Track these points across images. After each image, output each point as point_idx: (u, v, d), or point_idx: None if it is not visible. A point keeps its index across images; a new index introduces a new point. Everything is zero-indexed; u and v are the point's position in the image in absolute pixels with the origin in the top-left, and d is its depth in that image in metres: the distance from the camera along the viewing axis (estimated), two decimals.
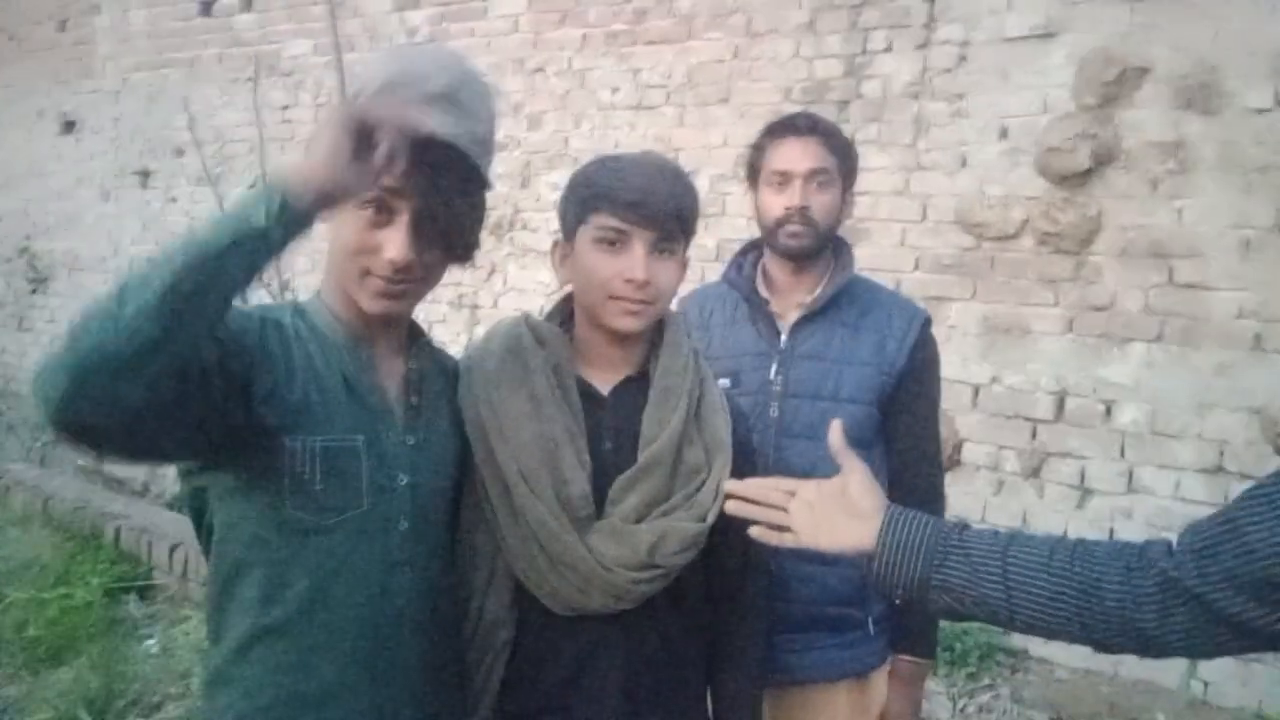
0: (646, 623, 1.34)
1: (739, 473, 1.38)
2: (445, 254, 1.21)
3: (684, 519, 1.30)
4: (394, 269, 1.15)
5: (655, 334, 1.39)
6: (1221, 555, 0.92)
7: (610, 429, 1.35)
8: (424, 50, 1.21)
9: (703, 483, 1.33)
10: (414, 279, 1.19)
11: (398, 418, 1.25)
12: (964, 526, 1.10)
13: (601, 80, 4.57)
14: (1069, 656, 3.40)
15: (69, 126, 7.02)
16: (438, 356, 1.36)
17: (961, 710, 3.32)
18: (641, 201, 1.29)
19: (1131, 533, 3.29)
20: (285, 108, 5.62)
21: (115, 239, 6.68)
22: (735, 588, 1.44)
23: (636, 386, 1.37)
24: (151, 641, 3.44)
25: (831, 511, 1.12)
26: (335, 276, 1.23)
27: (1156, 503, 3.28)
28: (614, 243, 1.30)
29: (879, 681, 1.79)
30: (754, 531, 1.16)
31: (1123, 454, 3.35)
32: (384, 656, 1.20)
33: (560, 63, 4.70)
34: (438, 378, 1.34)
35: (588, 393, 1.36)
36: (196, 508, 1.22)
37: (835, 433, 1.17)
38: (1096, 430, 3.40)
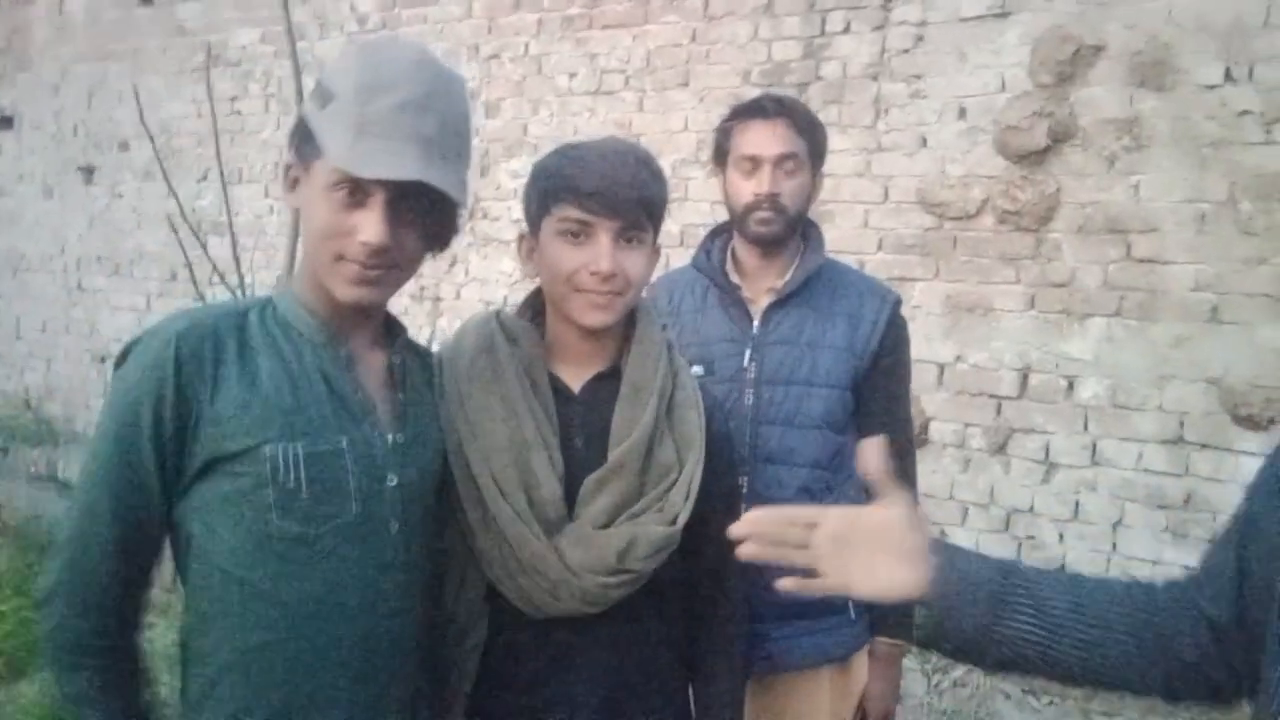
0: (622, 624, 1.31)
1: (717, 467, 1.36)
2: (422, 239, 1.17)
3: (654, 521, 1.28)
4: (369, 252, 1.10)
5: (628, 327, 1.36)
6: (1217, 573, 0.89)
7: (582, 427, 1.32)
8: (393, 50, 1.15)
9: (674, 482, 1.30)
10: (389, 264, 1.14)
11: (382, 415, 1.20)
12: (1015, 568, 0.94)
13: (558, 66, 4.52)
14: None
15: (6, 121, 6.80)
16: (416, 348, 1.33)
17: (936, 686, 3.36)
18: (604, 190, 1.25)
19: (1096, 505, 3.35)
20: (234, 99, 5.49)
21: (61, 237, 6.49)
22: (714, 585, 1.42)
23: (608, 382, 1.34)
24: None
25: (867, 549, 0.91)
26: (309, 265, 1.19)
27: (1119, 474, 3.34)
28: (577, 234, 1.26)
29: (859, 664, 1.80)
30: (784, 584, 0.94)
31: (1086, 427, 3.40)
32: (374, 662, 1.17)
33: (516, 48, 4.63)
34: (420, 371, 1.30)
35: (559, 390, 1.34)
36: (173, 533, 1.17)
37: (873, 455, 0.93)
38: (1059, 405, 3.45)
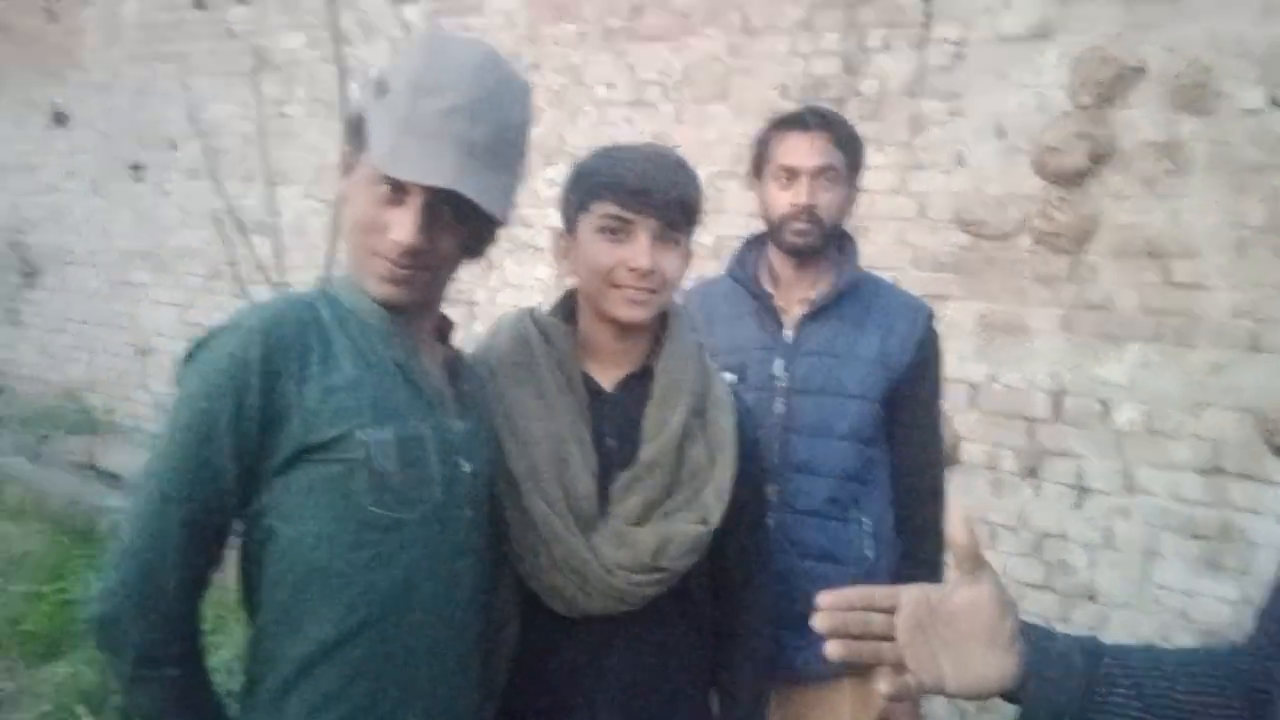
0: (650, 623, 1.33)
1: (746, 474, 1.37)
2: (459, 244, 1.17)
3: (688, 520, 1.29)
4: (399, 251, 1.10)
5: (659, 328, 1.38)
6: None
7: (613, 425, 1.34)
8: (456, 49, 1.13)
9: (706, 482, 1.32)
10: (421, 265, 1.14)
11: (451, 403, 1.21)
12: (1100, 644, 0.86)
13: (598, 76, 4.56)
14: None
15: (59, 119, 6.96)
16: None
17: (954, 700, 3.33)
18: (645, 189, 1.27)
19: (1129, 532, 3.31)
20: (280, 101, 5.59)
21: (107, 232, 6.63)
22: (740, 585, 1.43)
23: (640, 382, 1.36)
24: None
25: (957, 636, 0.80)
26: (350, 258, 1.19)
27: (1154, 502, 3.29)
28: (617, 231, 1.29)
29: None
30: (882, 689, 0.81)
31: (1120, 453, 3.36)
32: (452, 648, 1.18)
33: (556, 59, 4.68)
34: (471, 367, 1.33)
35: (591, 388, 1.35)
36: (248, 528, 1.14)
37: (960, 526, 0.81)
38: (1093, 429, 3.41)
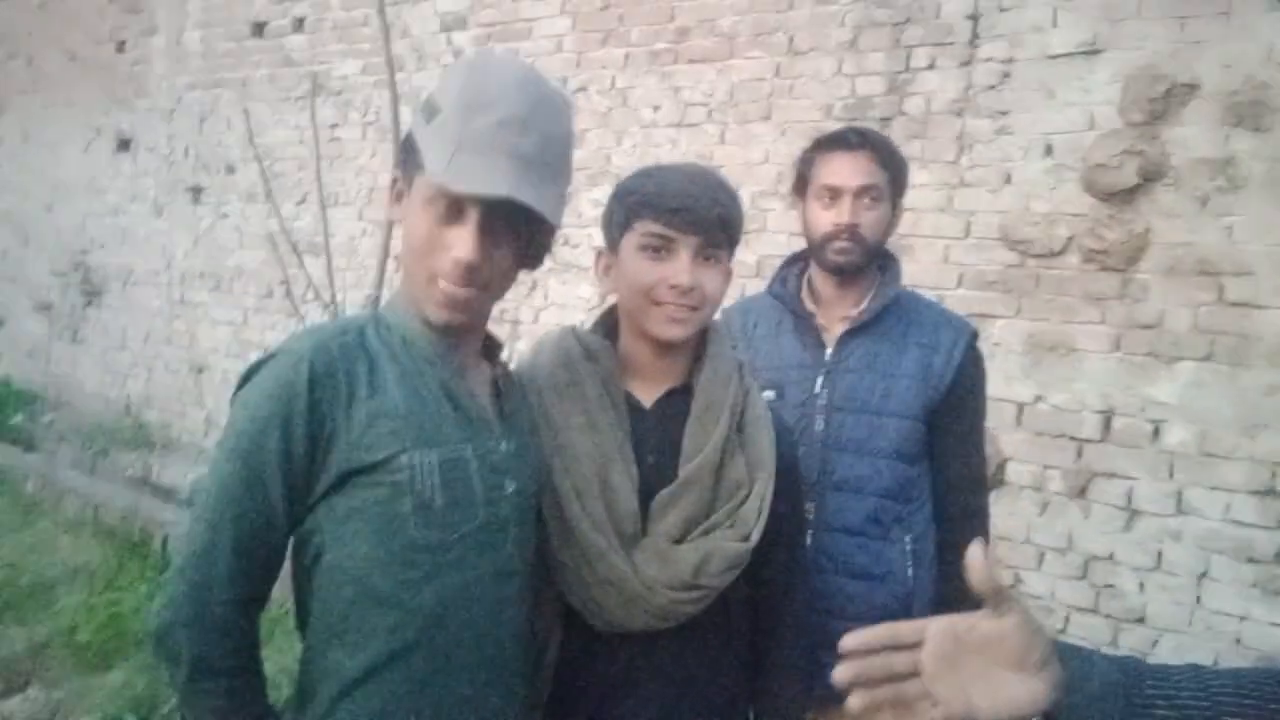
0: (689, 640, 1.33)
1: (784, 492, 1.37)
2: (515, 257, 1.19)
3: (728, 538, 1.30)
4: (461, 270, 1.12)
5: (699, 346, 1.39)
6: None
7: (653, 442, 1.35)
8: (498, 67, 1.16)
9: (745, 498, 1.32)
10: (480, 285, 1.16)
11: (495, 424, 1.22)
12: (1139, 664, 0.85)
13: (643, 98, 4.61)
14: None
15: (124, 144, 7.21)
16: (506, 365, 1.36)
17: None
18: (686, 207, 1.29)
19: (1180, 555, 3.24)
20: (334, 126, 5.73)
21: (167, 253, 6.83)
22: (778, 602, 1.43)
23: (680, 399, 1.37)
24: None
25: (983, 664, 0.80)
26: (407, 283, 1.21)
27: (1206, 525, 3.22)
28: (659, 249, 1.30)
29: None
30: (841, 678, 0.83)
31: (1171, 475, 3.29)
32: (496, 668, 1.19)
33: (603, 82, 4.75)
34: (517, 384, 1.34)
35: (632, 405, 1.37)
36: (298, 548, 1.17)
37: (978, 559, 0.81)
38: (1144, 450, 3.35)
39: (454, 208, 1.12)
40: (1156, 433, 3.33)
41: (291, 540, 1.15)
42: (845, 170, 1.72)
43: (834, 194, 1.73)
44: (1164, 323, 3.31)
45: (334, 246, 4.55)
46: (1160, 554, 3.29)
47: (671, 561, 1.27)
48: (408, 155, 1.17)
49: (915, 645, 0.81)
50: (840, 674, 0.80)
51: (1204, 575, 3.23)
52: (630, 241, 1.33)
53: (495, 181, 1.08)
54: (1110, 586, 3.40)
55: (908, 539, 1.72)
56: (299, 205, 5.84)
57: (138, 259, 7.06)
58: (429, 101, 1.16)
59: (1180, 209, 3.29)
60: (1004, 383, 3.51)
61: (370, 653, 1.11)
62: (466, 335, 1.24)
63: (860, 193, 1.71)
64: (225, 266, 6.41)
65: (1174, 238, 3.30)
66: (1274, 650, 3.08)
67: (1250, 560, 3.14)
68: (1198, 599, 3.23)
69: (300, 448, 1.08)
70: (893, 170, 1.76)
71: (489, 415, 1.22)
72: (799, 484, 1.47)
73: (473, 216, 1.11)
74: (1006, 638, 0.80)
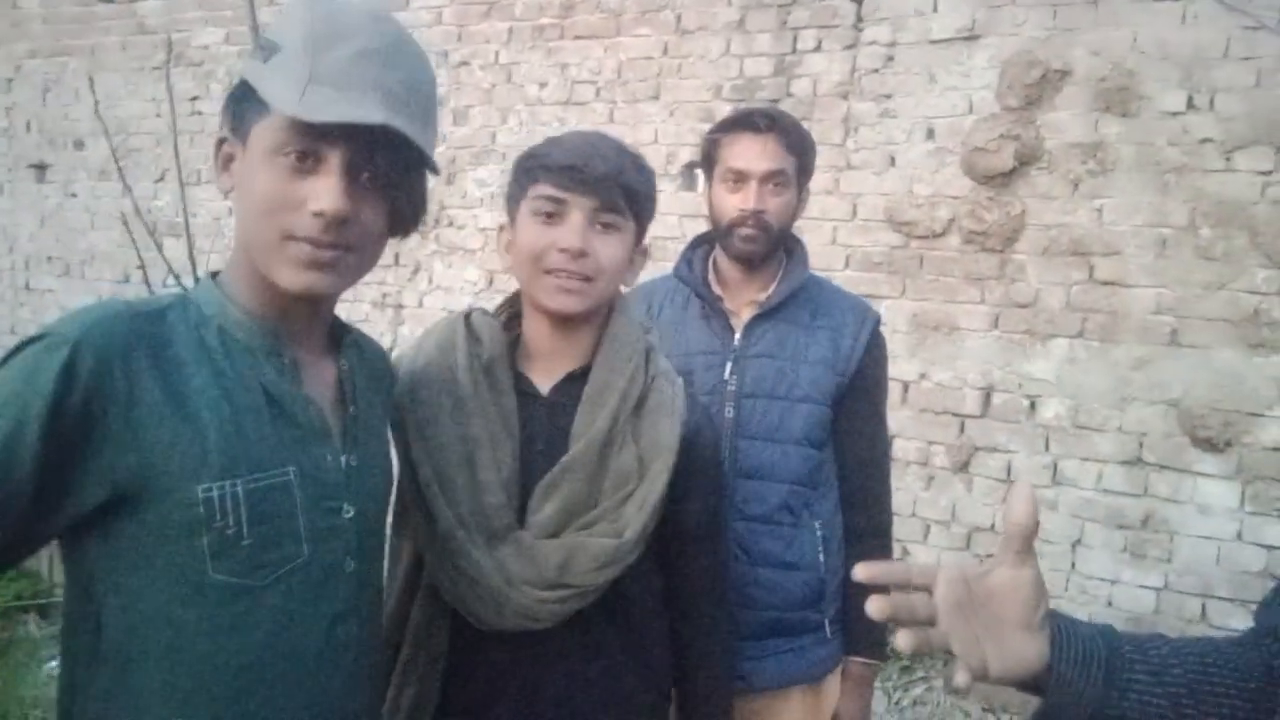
0: (582, 636, 1.25)
1: (702, 483, 1.29)
2: (386, 216, 1.00)
3: (598, 533, 1.21)
4: (324, 225, 0.92)
5: (605, 326, 1.32)
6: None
7: (546, 430, 1.26)
8: (345, 2, 0.98)
9: (631, 493, 1.24)
10: (346, 245, 0.96)
11: (335, 435, 1.03)
12: (1115, 632, 0.84)
13: (529, 75, 4.49)
14: None
15: None
16: (365, 350, 1.16)
17: (896, 703, 3.37)
18: (578, 166, 1.20)
19: (1056, 524, 3.39)
20: (194, 99, 5.38)
21: (11, 235, 6.29)
22: (700, 599, 1.37)
23: (579, 383, 1.27)
24: (54, 664, 3.25)
25: (993, 618, 0.77)
26: (244, 255, 0.99)
27: (1079, 494, 3.38)
28: (551, 214, 1.21)
29: (831, 684, 1.78)
30: (874, 610, 0.75)
31: (1047, 447, 3.44)
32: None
33: (486, 56, 4.60)
34: (369, 376, 1.14)
35: (525, 390, 1.28)
36: (67, 600, 0.96)
37: (1023, 502, 0.79)
38: (1021, 425, 3.48)
39: (308, 157, 0.93)
40: (1033, 407, 3.47)
41: (64, 568, 0.97)
42: (752, 154, 1.67)
43: (740, 178, 1.68)
44: (1039, 301, 3.44)
45: (196, 227, 4.27)
46: (1038, 523, 3.44)
47: (535, 558, 1.19)
48: (239, 106, 0.97)
49: (926, 588, 0.77)
50: (877, 606, 0.74)
51: (1078, 543, 3.39)
52: (525, 209, 1.24)
53: (363, 111, 0.91)
54: (991, 555, 3.52)
55: (818, 525, 1.71)
56: (157, 183, 5.46)
57: None
58: (264, 40, 0.97)
59: (1054, 191, 3.41)
60: (890, 361, 3.57)
61: (168, 696, 0.91)
62: (307, 324, 1.04)
63: (766, 178, 1.67)
64: (76, 250, 5.95)
65: (1048, 219, 3.42)
66: (1142, 612, 3.26)
67: (1120, 527, 3.31)
68: (1072, 565, 3.40)
69: (30, 465, 0.84)
70: (800, 155, 1.73)
71: (328, 423, 1.02)
72: (719, 475, 1.42)
73: (334, 161, 0.93)
74: (1020, 590, 0.77)
